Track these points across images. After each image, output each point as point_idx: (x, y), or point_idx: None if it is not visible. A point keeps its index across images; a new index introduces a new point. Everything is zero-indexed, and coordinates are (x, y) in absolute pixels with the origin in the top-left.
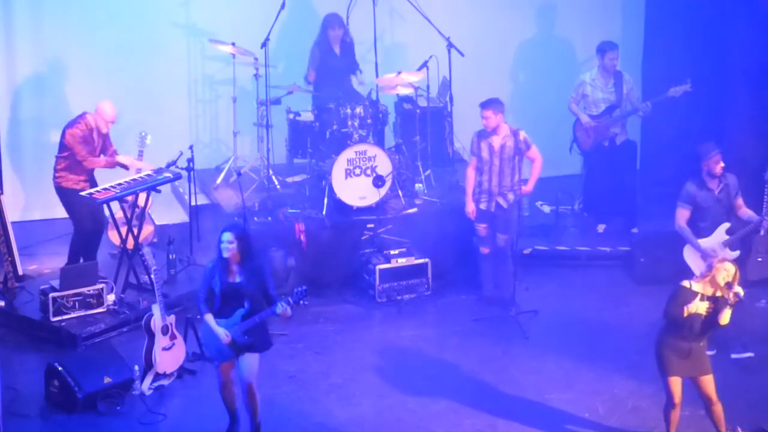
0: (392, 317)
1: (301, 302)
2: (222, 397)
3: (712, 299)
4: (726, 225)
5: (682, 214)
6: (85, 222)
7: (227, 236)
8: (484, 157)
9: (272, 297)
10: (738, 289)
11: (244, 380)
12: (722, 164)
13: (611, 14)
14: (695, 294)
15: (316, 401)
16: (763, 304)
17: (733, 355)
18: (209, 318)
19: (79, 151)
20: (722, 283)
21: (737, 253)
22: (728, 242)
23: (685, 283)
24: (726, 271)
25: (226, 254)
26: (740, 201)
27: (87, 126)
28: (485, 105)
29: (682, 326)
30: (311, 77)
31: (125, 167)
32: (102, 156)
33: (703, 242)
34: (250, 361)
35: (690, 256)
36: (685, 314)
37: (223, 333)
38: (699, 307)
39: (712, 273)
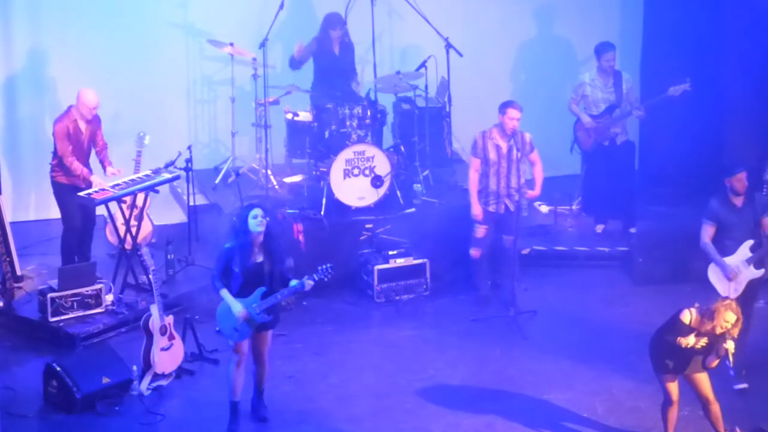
0: (391, 317)
1: (326, 279)
2: (231, 379)
3: (710, 336)
4: (750, 242)
5: (707, 231)
6: (74, 219)
7: (258, 211)
8: (491, 159)
9: (287, 276)
10: (729, 345)
11: (260, 353)
12: (746, 183)
13: (610, 14)
14: (691, 330)
15: (314, 401)
16: (762, 304)
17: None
18: (225, 293)
19: (60, 146)
20: (718, 332)
21: (762, 271)
22: (752, 260)
23: (685, 318)
24: (726, 322)
25: (259, 228)
26: (767, 220)
27: (70, 119)
28: (516, 106)
29: (676, 349)
30: (297, 54)
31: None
32: (91, 150)
33: (727, 260)
34: (266, 336)
35: (714, 275)
36: (677, 343)
37: (239, 307)
38: (694, 341)
39: (713, 320)
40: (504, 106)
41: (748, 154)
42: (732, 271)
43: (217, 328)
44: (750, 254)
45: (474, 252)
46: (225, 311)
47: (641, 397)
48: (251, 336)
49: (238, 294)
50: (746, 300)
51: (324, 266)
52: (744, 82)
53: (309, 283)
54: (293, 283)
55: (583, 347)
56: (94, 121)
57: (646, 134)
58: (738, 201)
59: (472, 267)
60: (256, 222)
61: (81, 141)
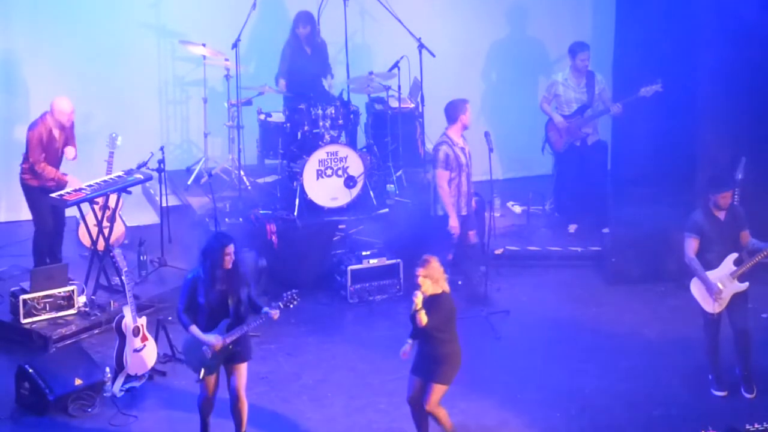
0: (364, 318)
1: (291, 306)
2: (200, 410)
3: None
4: (734, 256)
5: (691, 245)
6: (46, 221)
7: (232, 248)
8: (462, 164)
9: (256, 301)
10: (417, 293)
11: (235, 390)
12: (729, 200)
13: (582, 14)
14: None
15: (287, 402)
16: (765, 317)
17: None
18: (195, 329)
19: (32, 153)
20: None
21: (746, 285)
22: (736, 273)
23: (418, 298)
24: (416, 275)
25: (230, 265)
26: (746, 233)
27: (45, 127)
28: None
29: (418, 333)
30: (282, 85)
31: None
32: (68, 149)
33: (711, 274)
34: (241, 370)
35: (697, 290)
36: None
37: (214, 339)
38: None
39: (437, 275)
40: (465, 103)
41: (720, 153)
42: (716, 290)
43: (172, 352)
44: (734, 268)
45: (450, 257)
46: (192, 345)
47: (614, 397)
48: (227, 373)
49: (205, 326)
50: (737, 312)
51: (289, 293)
52: (715, 82)
53: (275, 313)
54: (265, 309)
55: (555, 347)
56: (69, 128)
57: (619, 134)
58: (720, 214)
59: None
60: (230, 259)
61: (56, 148)
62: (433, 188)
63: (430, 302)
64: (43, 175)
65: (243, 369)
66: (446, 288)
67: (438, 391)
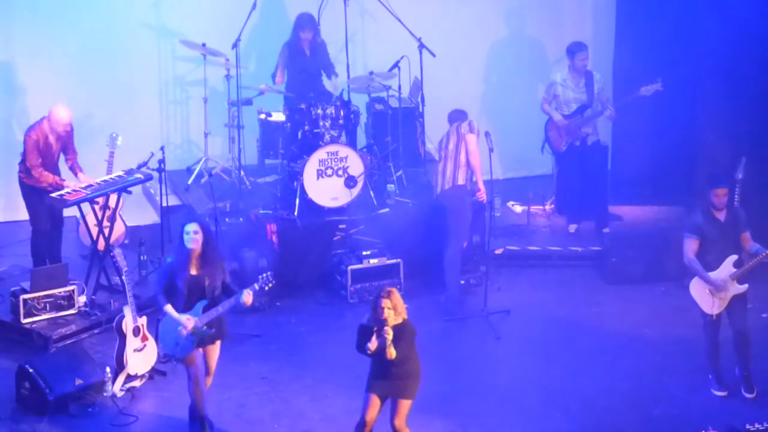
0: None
1: (267, 287)
2: (192, 395)
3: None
4: (733, 257)
5: (691, 246)
6: (42, 222)
7: (192, 227)
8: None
9: (231, 288)
10: (388, 330)
11: (209, 366)
12: (725, 200)
13: (582, 14)
14: (371, 330)
15: (288, 402)
16: (765, 317)
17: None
18: (169, 308)
19: (29, 158)
20: (383, 317)
21: (745, 287)
22: (736, 275)
23: (364, 320)
24: (381, 309)
25: (190, 245)
26: (747, 235)
27: (42, 132)
28: None
29: (377, 358)
30: (278, 79)
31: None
32: (65, 157)
33: (712, 275)
34: (215, 349)
35: (696, 291)
36: (370, 353)
37: (185, 319)
38: (386, 338)
39: (397, 308)
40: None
41: (720, 153)
42: (720, 286)
43: (161, 345)
44: (734, 270)
45: (465, 244)
46: (167, 326)
47: (615, 396)
48: (204, 355)
49: (182, 309)
50: (737, 313)
51: (264, 275)
52: (716, 81)
53: (247, 296)
54: (243, 293)
55: (556, 347)
56: (66, 135)
57: (619, 134)
58: (721, 215)
59: (456, 265)
60: (188, 238)
61: (52, 153)
62: (454, 159)
63: (395, 333)
64: (40, 180)
65: (217, 347)
66: (405, 315)
67: (407, 406)
